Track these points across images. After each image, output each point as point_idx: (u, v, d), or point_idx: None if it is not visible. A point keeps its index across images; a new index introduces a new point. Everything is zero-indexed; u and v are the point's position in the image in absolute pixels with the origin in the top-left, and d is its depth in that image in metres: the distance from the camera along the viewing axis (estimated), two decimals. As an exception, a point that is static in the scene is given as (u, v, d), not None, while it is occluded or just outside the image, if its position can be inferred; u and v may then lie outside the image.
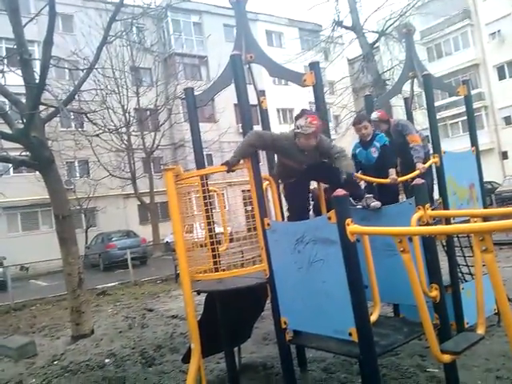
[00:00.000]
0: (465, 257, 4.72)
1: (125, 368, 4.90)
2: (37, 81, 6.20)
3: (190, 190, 3.91)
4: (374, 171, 4.32)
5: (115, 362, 5.18)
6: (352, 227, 2.55)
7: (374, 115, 4.81)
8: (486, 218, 2.93)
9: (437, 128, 4.76)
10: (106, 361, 5.25)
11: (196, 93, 4.12)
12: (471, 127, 5.32)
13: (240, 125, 24.44)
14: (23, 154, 7.42)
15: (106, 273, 16.83)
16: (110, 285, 12.13)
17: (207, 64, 28.42)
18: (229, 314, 3.72)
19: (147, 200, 22.17)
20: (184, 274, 3.46)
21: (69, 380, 4.76)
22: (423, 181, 3.19)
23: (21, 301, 10.84)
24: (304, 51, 19.21)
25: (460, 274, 4.64)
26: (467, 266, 4.71)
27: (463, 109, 5.79)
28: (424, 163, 4.49)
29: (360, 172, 4.30)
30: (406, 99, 5.89)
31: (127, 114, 20.83)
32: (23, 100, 6.80)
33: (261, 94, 4.48)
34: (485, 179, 5.21)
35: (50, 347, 6.27)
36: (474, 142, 5.08)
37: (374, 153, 4.48)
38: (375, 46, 18.75)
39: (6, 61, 8.54)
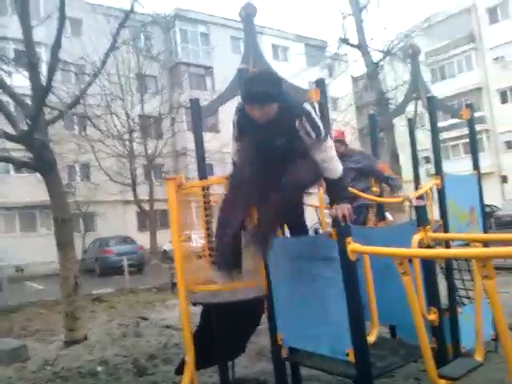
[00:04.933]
0: (463, 280, 4.70)
1: (117, 377, 4.85)
2: (43, 83, 6.24)
3: (190, 199, 3.91)
4: None
5: (107, 369, 5.12)
6: (353, 246, 2.55)
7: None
8: (486, 243, 2.93)
9: (439, 149, 4.78)
10: (98, 368, 5.19)
11: (201, 102, 4.13)
12: (473, 150, 5.33)
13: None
14: (25, 155, 7.45)
15: (101, 278, 16.75)
16: (105, 291, 12.04)
17: (212, 74, 28.62)
18: (224, 328, 3.69)
19: (146, 207, 22.15)
20: (180, 285, 3.44)
21: (59, 386, 4.72)
22: (425, 202, 3.19)
23: (15, 303, 10.76)
24: (309, 67, 19.40)
25: (458, 298, 4.62)
26: (465, 289, 4.69)
27: (464, 131, 5.84)
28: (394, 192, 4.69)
29: None
30: (409, 120, 5.93)
31: (131, 121, 20.94)
32: (28, 101, 6.84)
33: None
34: (485, 202, 5.21)
35: (43, 352, 6.20)
36: (475, 165, 5.10)
37: None
38: (380, 64, 18.91)
39: (13, 62, 8.62)
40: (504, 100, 29.49)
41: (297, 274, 2.91)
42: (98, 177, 22.14)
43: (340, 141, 4.87)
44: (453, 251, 2.49)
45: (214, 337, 3.71)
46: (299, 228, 3.42)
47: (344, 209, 2.59)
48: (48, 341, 6.87)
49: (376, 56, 18.33)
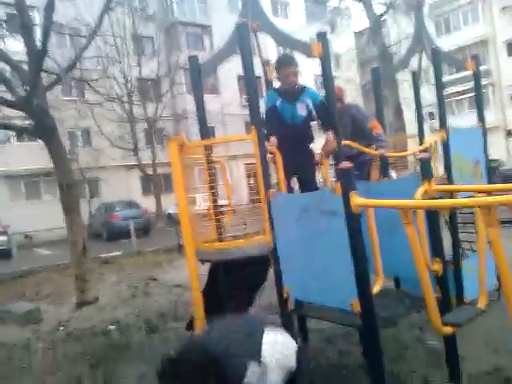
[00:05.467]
0: (467, 233, 4.74)
1: (129, 334, 5.01)
2: (38, 47, 6.12)
3: (193, 162, 3.89)
4: (300, 133, 3.77)
5: (119, 328, 5.28)
6: (357, 199, 2.55)
7: None
8: (490, 194, 2.92)
9: (444, 103, 4.72)
10: (110, 327, 5.35)
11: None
12: (479, 104, 5.25)
13: (243, 97, 23.97)
14: (26, 122, 7.41)
15: (109, 242, 16.99)
16: (113, 254, 12.25)
17: (211, 33, 27.85)
18: (232, 284, 3.77)
19: (149, 171, 22.16)
20: (188, 244, 3.48)
21: (74, 345, 4.88)
22: (429, 154, 3.17)
23: (26, 268, 10.98)
24: (310, 23, 18.86)
25: (461, 251, 4.67)
26: (469, 242, 4.74)
27: (469, 86, 5.72)
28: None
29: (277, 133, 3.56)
30: (413, 73, 5.79)
31: (129, 83, 20.64)
32: (25, 67, 6.73)
33: (266, 64, 4.41)
34: (490, 157, 5.18)
35: (55, 313, 6.39)
36: (481, 118, 5.03)
37: (302, 110, 3.73)
38: (383, 18, 18.33)
39: (5, 26, 8.41)
40: (511, 52, 28.72)
41: (302, 228, 2.94)
42: (99, 142, 22.03)
43: (337, 98, 4.77)
44: (456, 201, 2.49)
45: (222, 292, 3.79)
46: (310, 184, 3.54)
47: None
48: (60, 303, 7.07)
49: (379, 9, 17.77)
